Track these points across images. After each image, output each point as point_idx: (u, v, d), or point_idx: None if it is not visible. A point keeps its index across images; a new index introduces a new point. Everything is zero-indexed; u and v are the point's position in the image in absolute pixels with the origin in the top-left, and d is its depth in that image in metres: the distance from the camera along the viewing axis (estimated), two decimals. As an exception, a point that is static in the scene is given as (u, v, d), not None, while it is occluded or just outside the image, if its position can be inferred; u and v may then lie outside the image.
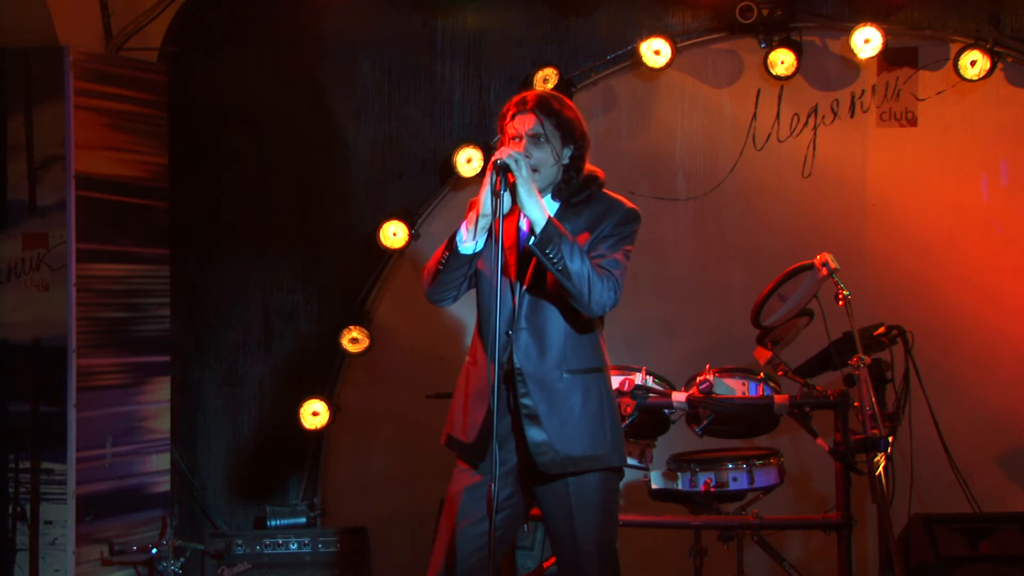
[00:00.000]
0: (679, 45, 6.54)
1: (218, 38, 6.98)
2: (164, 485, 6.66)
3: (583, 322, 4.15)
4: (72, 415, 6.07)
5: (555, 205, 4.18)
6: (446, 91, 6.86)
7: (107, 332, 6.33)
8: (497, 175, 3.95)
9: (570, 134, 4.16)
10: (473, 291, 4.27)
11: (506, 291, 4.08)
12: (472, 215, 4.06)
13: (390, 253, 6.75)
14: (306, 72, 6.95)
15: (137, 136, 6.51)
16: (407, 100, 6.90)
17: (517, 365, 4.10)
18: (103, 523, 6.27)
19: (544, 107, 4.14)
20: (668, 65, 6.52)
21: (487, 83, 6.81)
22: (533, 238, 3.97)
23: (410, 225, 6.68)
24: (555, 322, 4.13)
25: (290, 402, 6.76)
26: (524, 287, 4.13)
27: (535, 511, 4.31)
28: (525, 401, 4.09)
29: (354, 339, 6.73)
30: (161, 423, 6.65)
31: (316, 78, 6.94)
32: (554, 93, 4.25)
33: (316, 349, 6.88)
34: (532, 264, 4.11)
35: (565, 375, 4.12)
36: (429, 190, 6.84)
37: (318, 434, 6.80)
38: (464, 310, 4.28)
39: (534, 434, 4.09)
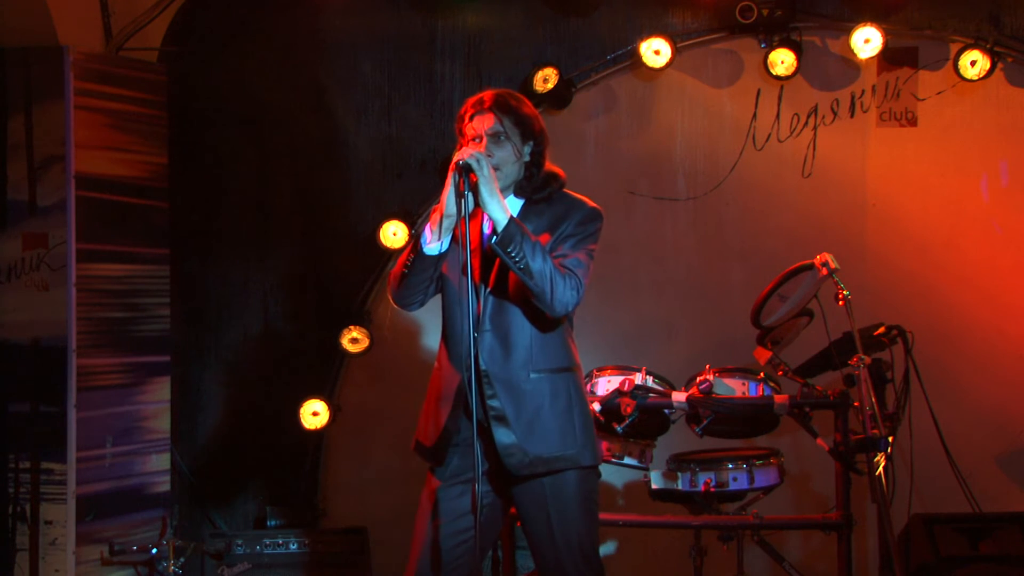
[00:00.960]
0: (679, 45, 6.54)
1: (218, 38, 6.98)
2: (164, 485, 6.66)
3: (548, 322, 4.15)
4: (72, 415, 6.07)
5: (518, 203, 4.19)
6: (446, 91, 6.86)
7: (107, 332, 6.33)
8: (460, 176, 3.97)
9: (529, 130, 4.17)
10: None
11: (465, 291, 4.08)
12: (436, 216, 4.07)
13: (390, 253, 6.75)
14: (306, 72, 6.95)
15: (137, 136, 6.51)
16: (407, 100, 6.90)
17: (483, 367, 4.09)
18: (103, 523, 6.27)
19: (502, 105, 4.15)
20: (668, 65, 6.52)
21: (487, 83, 6.80)
22: (495, 237, 3.98)
23: (410, 225, 6.68)
24: (520, 323, 4.13)
25: (290, 402, 6.75)
26: (488, 289, 4.14)
27: (513, 510, 4.32)
28: (492, 403, 4.10)
29: (354, 339, 6.73)
30: (161, 423, 6.65)
31: (316, 78, 6.94)
32: (510, 91, 4.25)
33: (316, 349, 6.88)
34: (496, 265, 4.12)
35: (532, 375, 4.13)
36: (429, 190, 6.84)
37: (318, 434, 6.80)
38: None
39: (502, 436, 4.09)
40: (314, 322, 6.94)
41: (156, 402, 6.62)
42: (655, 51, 6.50)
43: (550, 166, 4.23)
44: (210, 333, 7.02)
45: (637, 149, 6.72)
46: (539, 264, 3.98)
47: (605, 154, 6.68)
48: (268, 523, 6.60)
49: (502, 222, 3.98)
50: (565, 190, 4.24)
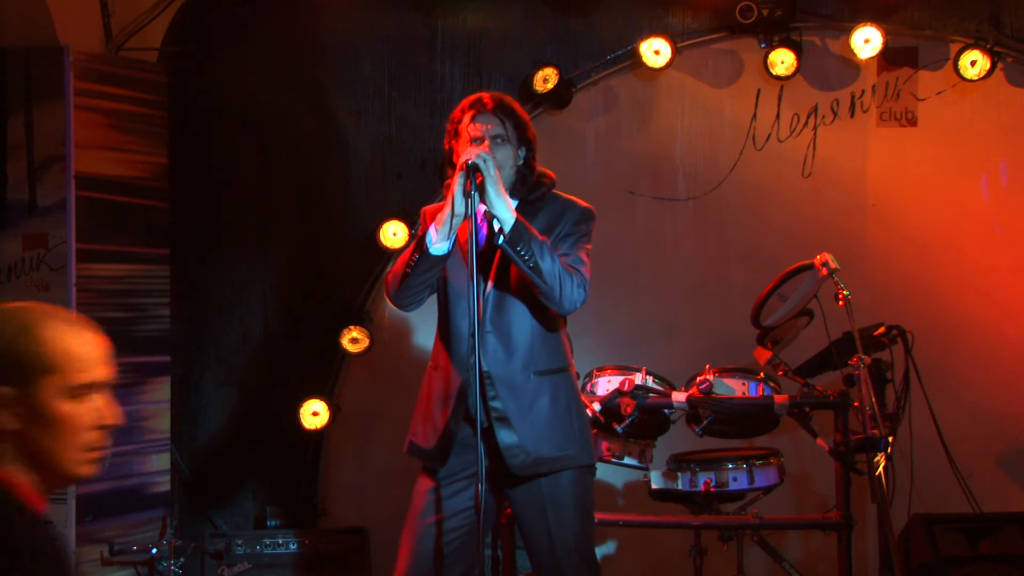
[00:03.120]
0: (679, 45, 6.54)
1: (218, 38, 6.98)
2: (164, 485, 6.66)
3: (550, 321, 4.17)
4: (72, 415, 6.06)
5: (513, 204, 4.21)
6: (446, 91, 6.86)
7: (107, 332, 6.29)
8: (467, 176, 3.98)
9: (524, 134, 4.24)
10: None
11: (471, 293, 4.10)
12: (442, 216, 4.08)
13: (390, 253, 6.74)
14: (306, 72, 6.95)
15: (137, 136, 6.51)
16: (407, 100, 6.90)
17: (485, 368, 4.10)
18: (103, 523, 6.27)
19: (504, 109, 4.21)
20: (668, 65, 6.52)
21: (487, 83, 6.81)
22: (503, 237, 4.00)
23: (410, 225, 6.68)
24: (520, 323, 4.15)
25: (290, 402, 6.75)
26: (489, 289, 4.14)
27: (508, 511, 4.32)
28: (495, 404, 4.11)
29: (354, 339, 6.73)
30: (161, 423, 6.65)
31: (316, 78, 6.94)
32: (504, 94, 4.30)
33: (316, 349, 6.88)
34: (495, 265, 4.13)
35: (533, 376, 4.15)
36: (429, 190, 6.83)
37: (318, 434, 6.80)
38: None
39: (505, 436, 4.10)
40: (314, 322, 6.93)
41: (156, 402, 6.61)
42: (655, 51, 6.50)
43: (540, 167, 4.27)
44: (210, 333, 7.02)
45: (637, 149, 6.72)
46: (548, 263, 4.00)
47: (605, 154, 6.68)
48: (268, 523, 6.60)
49: (509, 222, 3.99)
50: (556, 191, 4.27)
